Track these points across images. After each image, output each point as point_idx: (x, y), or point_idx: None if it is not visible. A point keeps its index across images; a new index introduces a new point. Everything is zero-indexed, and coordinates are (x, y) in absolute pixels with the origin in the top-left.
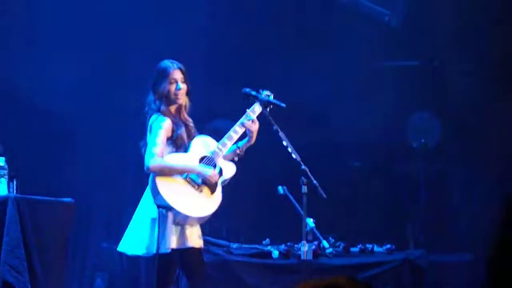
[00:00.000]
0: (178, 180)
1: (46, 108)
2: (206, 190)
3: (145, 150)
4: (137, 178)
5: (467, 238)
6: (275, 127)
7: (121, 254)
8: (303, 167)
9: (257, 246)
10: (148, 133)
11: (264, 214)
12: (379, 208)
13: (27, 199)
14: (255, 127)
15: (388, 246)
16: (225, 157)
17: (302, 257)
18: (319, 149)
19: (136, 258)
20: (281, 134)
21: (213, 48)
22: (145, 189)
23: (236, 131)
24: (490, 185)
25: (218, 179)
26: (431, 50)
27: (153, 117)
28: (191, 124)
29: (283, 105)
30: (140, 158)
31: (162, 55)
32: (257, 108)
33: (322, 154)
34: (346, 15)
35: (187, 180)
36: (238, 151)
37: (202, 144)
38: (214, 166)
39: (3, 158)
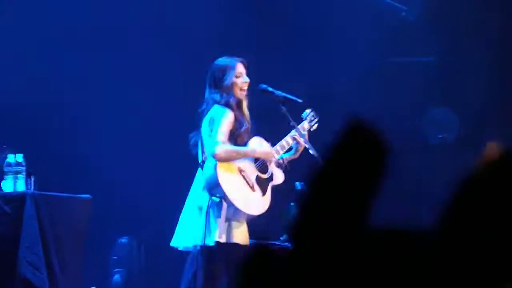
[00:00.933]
0: (236, 173)
1: (63, 102)
2: (258, 190)
3: (195, 142)
4: (156, 172)
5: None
6: (292, 123)
7: (139, 250)
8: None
9: (274, 242)
10: (208, 125)
11: (281, 210)
12: (396, 205)
13: (45, 195)
14: (303, 142)
15: None
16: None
17: None
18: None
19: (155, 254)
20: (297, 130)
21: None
22: (163, 183)
23: (288, 142)
24: None
25: (270, 178)
26: (448, 45)
27: (215, 108)
28: (249, 125)
29: (300, 100)
30: (160, 153)
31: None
32: (306, 125)
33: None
34: (360, 9)
35: (244, 177)
36: (281, 161)
37: (259, 146)
38: (267, 170)
39: (21, 155)
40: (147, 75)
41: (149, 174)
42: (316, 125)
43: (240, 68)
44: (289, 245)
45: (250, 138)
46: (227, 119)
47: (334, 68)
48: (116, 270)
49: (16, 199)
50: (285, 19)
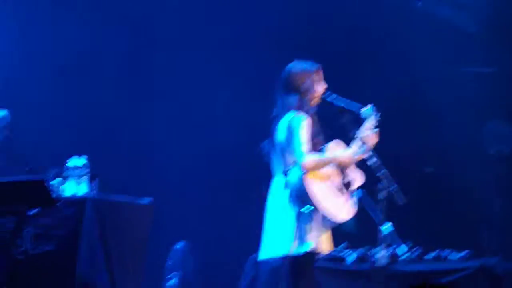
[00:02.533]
0: (325, 182)
1: (128, 107)
2: (346, 193)
3: (269, 151)
4: (212, 178)
5: None
6: (353, 133)
7: (194, 255)
8: (382, 171)
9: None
10: (286, 132)
11: None
12: (455, 215)
13: (106, 200)
14: (373, 141)
15: (464, 253)
16: None
17: (377, 264)
18: (394, 154)
19: (209, 258)
20: (358, 140)
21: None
22: (218, 189)
23: (361, 141)
24: None
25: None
26: (509, 57)
27: (292, 115)
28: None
29: (358, 112)
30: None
31: None
32: (369, 124)
33: (398, 160)
34: (424, 19)
35: (332, 183)
36: None
37: (338, 149)
38: (348, 173)
39: (85, 157)
40: (210, 78)
41: (205, 179)
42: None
43: (320, 73)
44: (346, 253)
45: (323, 143)
46: (306, 127)
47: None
48: (172, 275)
49: (77, 202)
50: (348, 31)
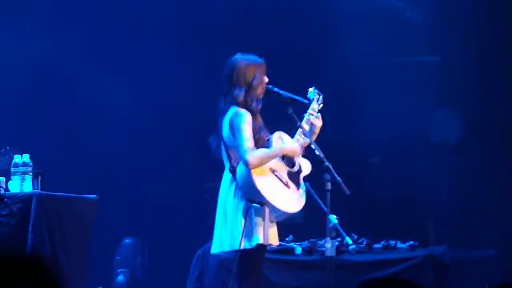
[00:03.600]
0: (271, 176)
1: (69, 104)
2: (292, 185)
3: (217, 145)
4: (160, 173)
5: (489, 234)
6: (299, 123)
7: (143, 250)
8: (326, 163)
9: (280, 242)
10: (229, 128)
11: None
12: (401, 205)
13: (52, 196)
14: (320, 123)
15: (411, 242)
16: None
17: (326, 254)
18: (340, 146)
19: (160, 255)
20: (305, 131)
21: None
22: (167, 184)
23: (304, 127)
24: None
25: (300, 170)
26: (452, 46)
27: (234, 110)
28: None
29: (306, 101)
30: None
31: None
32: (315, 106)
33: (343, 151)
34: (366, 9)
35: (277, 176)
36: None
37: (281, 141)
38: (294, 163)
39: (27, 155)
40: (155, 73)
41: (154, 175)
42: (321, 103)
43: (264, 67)
44: (294, 245)
45: (267, 136)
46: (247, 123)
47: (340, 67)
48: (120, 270)
49: (23, 199)
50: (291, 20)
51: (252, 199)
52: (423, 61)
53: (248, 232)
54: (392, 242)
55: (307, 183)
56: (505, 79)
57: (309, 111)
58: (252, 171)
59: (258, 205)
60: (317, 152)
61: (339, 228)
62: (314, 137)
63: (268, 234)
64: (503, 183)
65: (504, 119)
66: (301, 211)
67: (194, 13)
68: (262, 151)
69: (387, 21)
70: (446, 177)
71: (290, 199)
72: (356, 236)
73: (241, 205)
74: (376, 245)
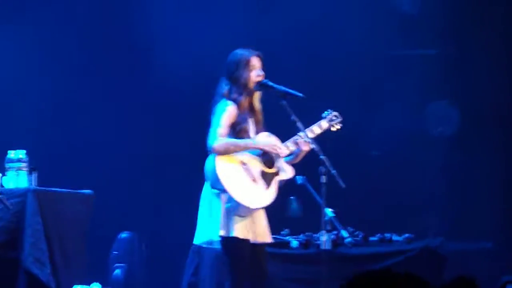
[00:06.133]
0: (237, 166)
1: (66, 98)
2: (261, 183)
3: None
4: (157, 168)
5: (487, 227)
6: (293, 117)
7: (140, 245)
8: (321, 156)
9: (276, 236)
10: (212, 118)
11: (282, 205)
12: (398, 197)
13: (47, 191)
14: (307, 148)
15: (407, 235)
16: None
17: (321, 247)
18: (337, 139)
19: (157, 249)
20: (299, 124)
21: None
22: (164, 179)
23: (288, 147)
24: (509, 172)
25: (276, 172)
26: (450, 39)
27: (221, 101)
28: (261, 118)
29: (301, 95)
30: (162, 148)
31: None
32: (324, 124)
33: (340, 144)
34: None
35: (244, 168)
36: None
37: (263, 138)
38: (273, 164)
39: (23, 151)
40: (150, 71)
41: (150, 170)
42: (339, 126)
43: (255, 61)
44: (290, 239)
45: (258, 132)
46: (227, 112)
47: (339, 60)
48: (117, 265)
49: (18, 194)
50: (286, 13)
51: (213, 186)
52: (421, 54)
53: (224, 223)
54: (388, 235)
55: (304, 176)
56: (503, 71)
57: (307, 129)
58: (218, 158)
59: (218, 193)
60: (312, 146)
61: (335, 221)
62: (297, 160)
63: (234, 226)
64: (500, 176)
65: (501, 112)
66: (300, 206)
67: None
68: (230, 139)
69: (385, 14)
70: (444, 170)
71: (250, 194)
72: (352, 229)
73: (208, 194)
74: (372, 238)
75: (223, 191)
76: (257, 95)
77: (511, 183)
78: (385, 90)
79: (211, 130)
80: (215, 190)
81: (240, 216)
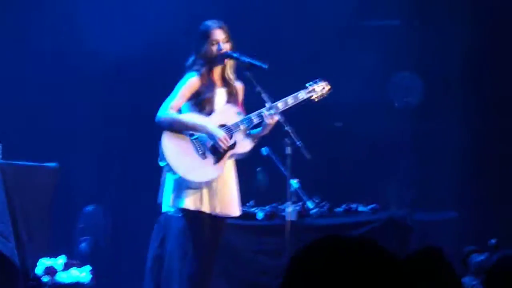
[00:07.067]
0: (185, 140)
1: (30, 74)
2: (210, 157)
3: None
4: (122, 141)
5: (451, 196)
6: (258, 88)
7: (105, 217)
8: (286, 128)
9: (241, 208)
10: None
11: (248, 176)
12: (363, 169)
13: (11, 164)
14: (272, 121)
15: (373, 205)
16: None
17: (287, 218)
18: (301, 110)
19: (120, 221)
20: (264, 95)
21: None
22: (129, 150)
23: (257, 116)
24: (473, 142)
25: (227, 148)
26: (412, 9)
27: (186, 74)
28: (236, 89)
29: (265, 66)
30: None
31: None
32: (302, 94)
33: (304, 115)
34: None
35: (194, 142)
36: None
37: (228, 113)
38: (230, 137)
39: None
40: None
41: (115, 141)
42: (321, 95)
43: (217, 34)
44: (256, 210)
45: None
46: (187, 83)
47: (304, 31)
48: (83, 238)
49: None
50: None
51: (161, 159)
52: (385, 24)
53: (171, 194)
54: (354, 206)
55: (269, 148)
56: (461, 40)
57: (281, 101)
58: (166, 131)
59: (163, 165)
60: (277, 117)
61: (300, 192)
62: (266, 131)
63: (183, 198)
64: (463, 145)
65: (464, 82)
66: (266, 177)
67: None
68: (177, 116)
69: None
70: (408, 140)
71: (194, 168)
72: (318, 200)
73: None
74: (337, 209)
75: (168, 164)
76: (229, 66)
77: (474, 152)
78: (349, 61)
79: (165, 101)
80: (161, 163)
81: (191, 188)
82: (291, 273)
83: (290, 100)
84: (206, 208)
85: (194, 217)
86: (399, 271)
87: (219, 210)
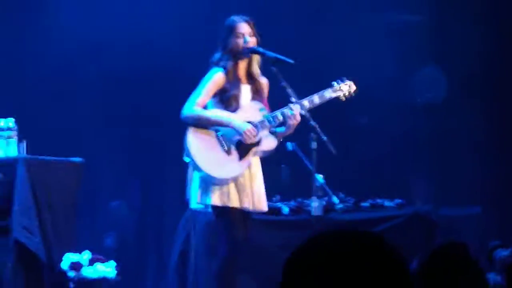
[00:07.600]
0: (210, 136)
1: (55, 70)
2: (235, 154)
3: None
4: (148, 135)
5: (475, 192)
6: (283, 83)
7: (130, 213)
8: (312, 123)
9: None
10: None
11: (273, 171)
12: (387, 164)
13: (37, 159)
14: (293, 122)
15: (399, 200)
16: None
17: (312, 213)
18: (325, 106)
19: (145, 216)
20: (289, 90)
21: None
22: (153, 146)
23: (278, 118)
24: (497, 137)
25: (254, 142)
26: (437, 4)
27: (211, 70)
28: (261, 85)
29: (291, 61)
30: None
31: None
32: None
33: (330, 110)
34: None
35: (219, 138)
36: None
37: (252, 110)
38: (256, 134)
39: (12, 119)
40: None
41: (141, 137)
42: (347, 94)
43: (242, 28)
44: (281, 205)
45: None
46: (213, 79)
47: (327, 29)
48: (108, 233)
49: (8, 163)
50: None
51: (186, 156)
52: (408, 20)
53: (197, 190)
54: (380, 201)
55: (294, 143)
56: (488, 38)
57: (306, 99)
58: (190, 128)
59: (191, 162)
60: (302, 112)
61: (326, 187)
62: (290, 131)
63: (210, 194)
64: (487, 140)
65: (488, 78)
66: (287, 172)
67: None
68: (203, 112)
69: None
70: (432, 135)
71: (219, 164)
72: (343, 195)
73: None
74: (363, 204)
75: (193, 160)
76: (255, 62)
77: (498, 148)
78: (374, 57)
79: (190, 97)
80: (186, 158)
81: (217, 184)
82: (289, 273)
83: (317, 99)
84: (234, 204)
85: (222, 213)
86: (400, 272)
87: (248, 205)
